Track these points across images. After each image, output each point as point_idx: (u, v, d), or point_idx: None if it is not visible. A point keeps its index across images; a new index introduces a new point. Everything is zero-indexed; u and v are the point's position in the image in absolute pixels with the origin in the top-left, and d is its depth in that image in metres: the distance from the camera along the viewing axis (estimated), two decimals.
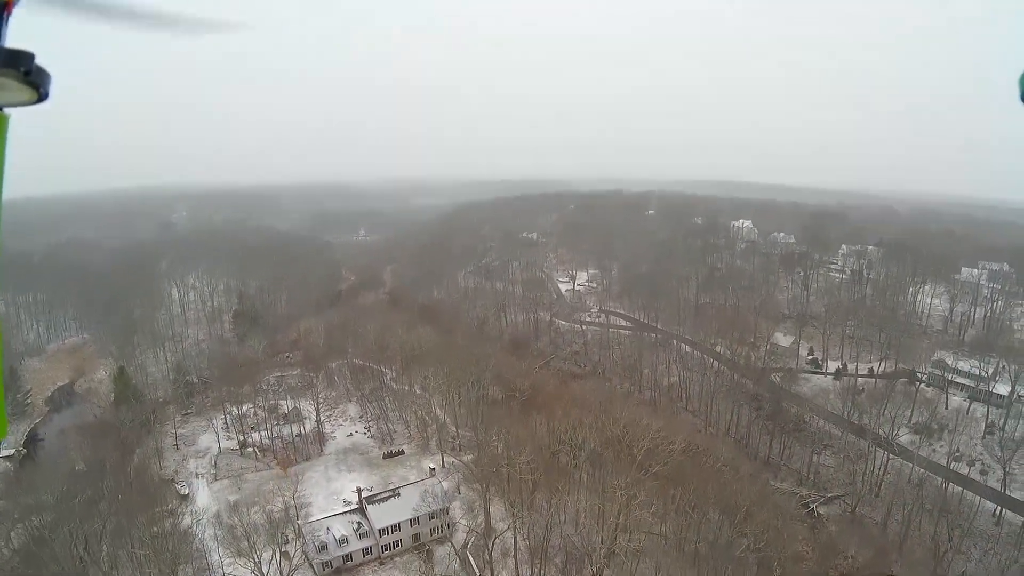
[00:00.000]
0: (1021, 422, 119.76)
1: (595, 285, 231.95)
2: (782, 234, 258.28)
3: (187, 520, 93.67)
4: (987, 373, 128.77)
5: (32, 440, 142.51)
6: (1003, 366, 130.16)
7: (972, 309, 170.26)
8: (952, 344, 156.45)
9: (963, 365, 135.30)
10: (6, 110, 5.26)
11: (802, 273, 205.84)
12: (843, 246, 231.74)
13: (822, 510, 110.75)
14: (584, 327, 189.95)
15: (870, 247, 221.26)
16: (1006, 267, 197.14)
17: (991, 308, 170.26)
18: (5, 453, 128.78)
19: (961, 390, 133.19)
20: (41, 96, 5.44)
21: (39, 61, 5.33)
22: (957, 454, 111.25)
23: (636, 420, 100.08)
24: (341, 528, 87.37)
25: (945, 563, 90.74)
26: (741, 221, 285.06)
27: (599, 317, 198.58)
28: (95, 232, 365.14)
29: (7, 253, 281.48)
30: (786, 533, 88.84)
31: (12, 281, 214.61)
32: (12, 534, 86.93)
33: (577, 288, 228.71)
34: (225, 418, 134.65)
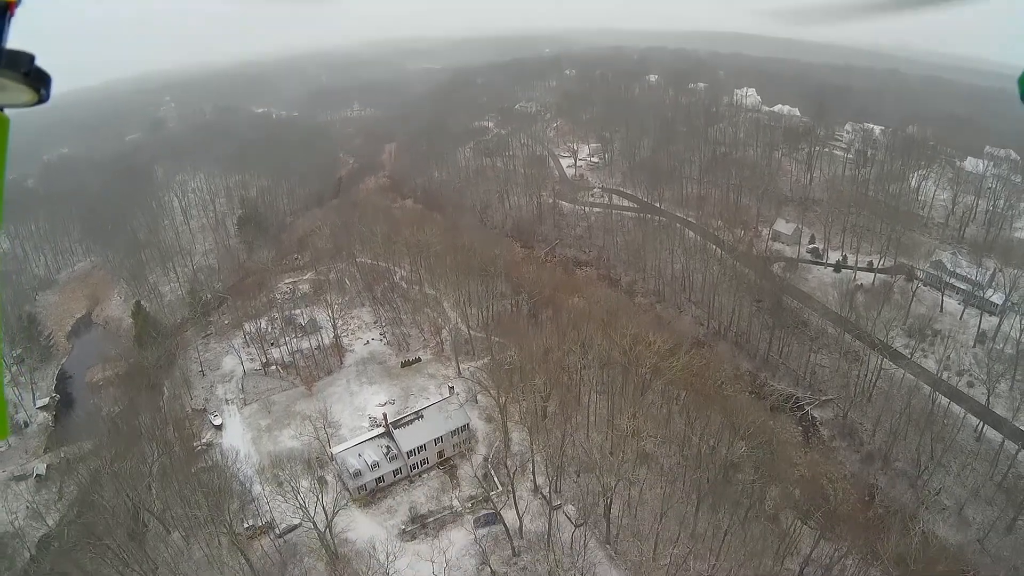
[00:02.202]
0: (1012, 334, 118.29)
1: (597, 160, 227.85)
2: (787, 107, 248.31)
3: (225, 453, 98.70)
4: (983, 278, 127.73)
5: (62, 380, 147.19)
6: (999, 270, 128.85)
7: (975, 202, 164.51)
8: (952, 239, 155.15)
9: (961, 267, 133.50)
10: (6, 111, 5.23)
11: (806, 150, 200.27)
12: (848, 124, 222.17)
13: (816, 413, 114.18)
14: (587, 209, 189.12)
15: (876, 129, 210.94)
16: (1012, 154, 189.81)
17: (994, 202, 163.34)
18: (40, 403, 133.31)
19: (957, 293, 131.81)
20: (41, 98, 5.43)
21: (39, 62, 5.42)
22: (947, 362, 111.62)
23: (642, 335, 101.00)
24: (372, 453, 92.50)
25: (926, 476, 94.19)
26: (745, 90, 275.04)
27: (602, 197, 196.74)
28: (83, 143, 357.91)
29: None
30: (782, 434, 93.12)
31: (10, 212, 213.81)
32: (64, 489, 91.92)
33: (579, 164, 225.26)
34: (244, 337, 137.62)
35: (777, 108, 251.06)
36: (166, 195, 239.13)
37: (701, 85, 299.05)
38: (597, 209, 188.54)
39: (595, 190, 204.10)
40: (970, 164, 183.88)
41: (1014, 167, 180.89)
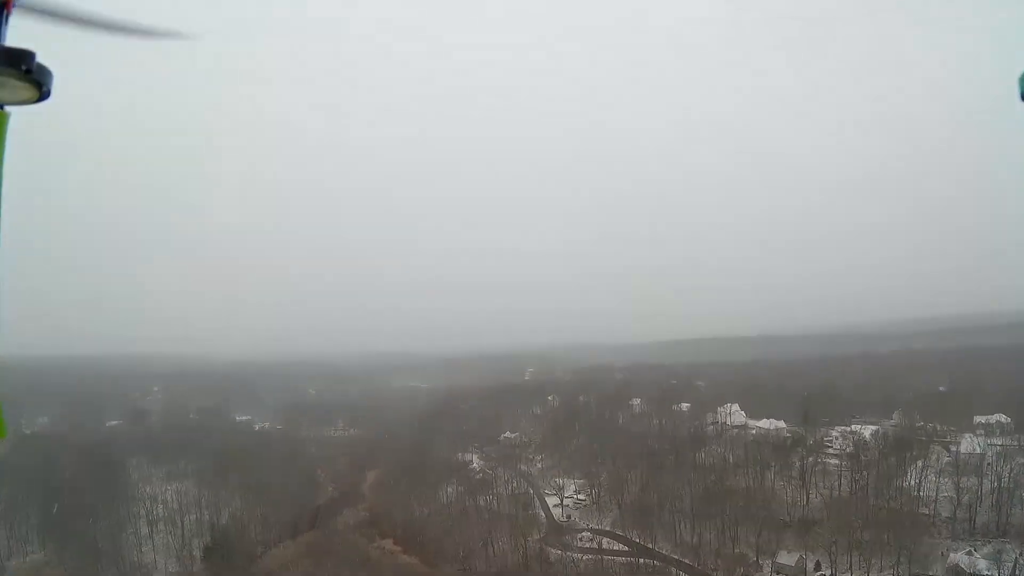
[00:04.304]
0: None
1: (583, 498, 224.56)
2: (772, 421, 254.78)
3: None
4: (1006, 573, 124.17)
5: None
6: (1021, 556, 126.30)
7: (980, 485, 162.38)
8: (964, 534, 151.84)
9: (980, 566, 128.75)
10: (6, 108, 5.43)
11: (798, 464, 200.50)
12: (836, 430, 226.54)
13: None
14: (576, 555, 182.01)
15: (867, 433, 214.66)
16: (1003, 418, 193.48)
17: (998, 480, 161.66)
18: None
19: None
20: (43, 94, 5.55)
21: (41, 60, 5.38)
22: None
23: None
24: None
25: None
26: (729, 407, 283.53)
27: (591, 541, 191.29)
28: (63, 419, 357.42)
29: None
30: None
31: None
32: None
33: (565, 503, 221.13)
34: None
35: (763, 423, 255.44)
36: (134, 496, 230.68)
37: (685, 406, 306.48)
38: (588, 556, 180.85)
39: (584, 534, 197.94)
40: (966, 445, 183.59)
41: (1006, 431, 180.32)
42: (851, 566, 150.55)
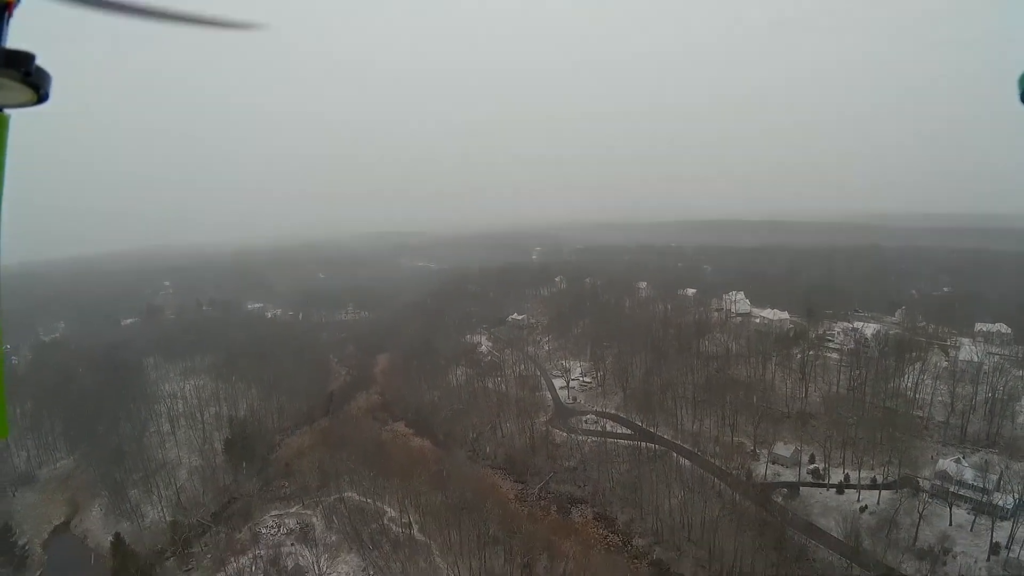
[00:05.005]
0: None
1: (589, 380, 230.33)
2: (775, 311, 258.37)
3: None
4: (991, 483, 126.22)
5: None
6: (1006, 470, 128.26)
7: (975, 393, 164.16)
8: (955, 440, 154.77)
9: (967, 474, 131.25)
10: (6, 111, 5.43)
11: (799, 357, 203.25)
12: (839, 326, 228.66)
13: None
14: (581, 438, 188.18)
15: (868, 332, 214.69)
16: (1004, 328, 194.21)
17: (993, 390, 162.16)
18: None
19: (966, 502, 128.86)
20: (41, 97, 5.58)
21: (39, 62, 5.50)
22: None
23: None
24: None
25: None
26: (733, 294, 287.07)
27: (596, 424, 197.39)
28: (79, 322, 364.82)
29: None
30: None
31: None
32: None
33: (571, 385, 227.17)
34: (227, 574, 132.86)
35: (767, 312, 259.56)
36: (155, 394, 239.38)
37: (691, 291, 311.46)
38: (593, 437, 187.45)
39: (589, 416, 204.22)
40: (964, 352, 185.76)
41: (1005, 341, 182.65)
42: (844, 462, 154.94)
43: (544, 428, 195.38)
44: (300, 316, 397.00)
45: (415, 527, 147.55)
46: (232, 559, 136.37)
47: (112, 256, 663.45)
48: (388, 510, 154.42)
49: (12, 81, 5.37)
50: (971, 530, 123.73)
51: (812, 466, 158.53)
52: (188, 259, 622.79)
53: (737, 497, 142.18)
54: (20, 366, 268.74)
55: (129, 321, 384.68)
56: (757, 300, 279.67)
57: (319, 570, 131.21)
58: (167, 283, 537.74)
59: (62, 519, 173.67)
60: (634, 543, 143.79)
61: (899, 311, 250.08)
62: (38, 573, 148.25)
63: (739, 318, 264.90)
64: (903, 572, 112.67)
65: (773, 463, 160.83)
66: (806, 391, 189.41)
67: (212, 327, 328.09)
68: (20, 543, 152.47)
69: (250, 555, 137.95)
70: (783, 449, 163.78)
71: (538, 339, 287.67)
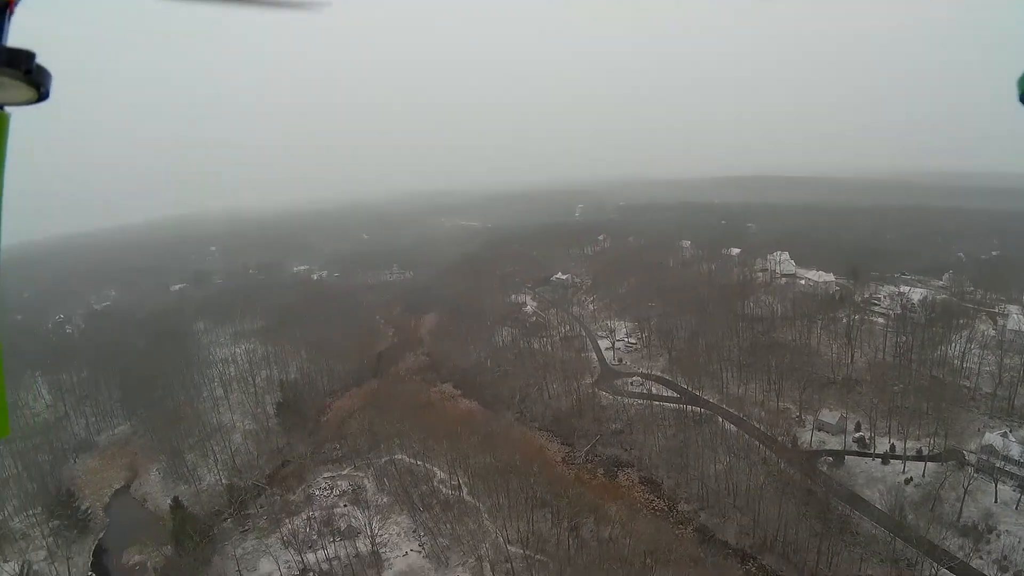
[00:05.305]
0: None
1: (634, 342, 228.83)
2: (820, 273, 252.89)
3: None
4: None
5: (99, 556, 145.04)
6: None
7: (1023, 363, 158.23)
8: (1001, 413, 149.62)
9: (1014, 450, 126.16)
10: (7, 109, 5.43)
11: (844, 321, 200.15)
12: (885, 290, 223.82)
13: None
14: (627, 400, 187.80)
15: (915, 297, 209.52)
16: None
17: None
18: None
19: (1011, 478, 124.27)
20: (41, 96, 5.59)
21: (40, 60, 5.46)
22: (1005, 562, 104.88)
23: None
24: None
25: None
26: (778, 255, 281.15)
27: (641, 386, 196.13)
28: (129, 290, 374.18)
29: (43, 329, 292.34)
30: None
31: (52, 362, 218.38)
32: None
33: (616, 347, 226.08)
34: (281, 535, 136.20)
35: (812, 274, 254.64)
36: (206, 358, 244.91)
37: (735, 251, 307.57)
38: (638, 401, 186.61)
39: (634, 378, 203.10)
40: (1012, 322, 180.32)
41: None
42: (889, 431, 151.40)
43: (590, 390, 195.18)
44: (346, 277, 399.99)
45: (464, 489, 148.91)
46: (287, 520, 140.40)
47: (156, 223, 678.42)
48: (438, 472, 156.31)
49: (13, 80, 5.29)
50: (1016, 508, 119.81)
51: (858, 434, 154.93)
52: (231, 224, 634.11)
53: (782, 464, 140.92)
54: (74, 335, 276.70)
55: (178, 287, 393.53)
56: (802, 261, 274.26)
57: (371, 531, 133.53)
58: (213, 248, 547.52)
59: (122, 483, 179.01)
60: (679, 508, 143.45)
61: (946, 275, 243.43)
62: (101, 535, 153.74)
63: (784, 279, 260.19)
64: (946, 548, 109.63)
65: (819, 430, 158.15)
66: (852, 356, 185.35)
67: (259, 290, 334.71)
68: (83, 507, 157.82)
69: (304, 516, 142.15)
70: (828, 416, 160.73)
71: (582, 299, 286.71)
